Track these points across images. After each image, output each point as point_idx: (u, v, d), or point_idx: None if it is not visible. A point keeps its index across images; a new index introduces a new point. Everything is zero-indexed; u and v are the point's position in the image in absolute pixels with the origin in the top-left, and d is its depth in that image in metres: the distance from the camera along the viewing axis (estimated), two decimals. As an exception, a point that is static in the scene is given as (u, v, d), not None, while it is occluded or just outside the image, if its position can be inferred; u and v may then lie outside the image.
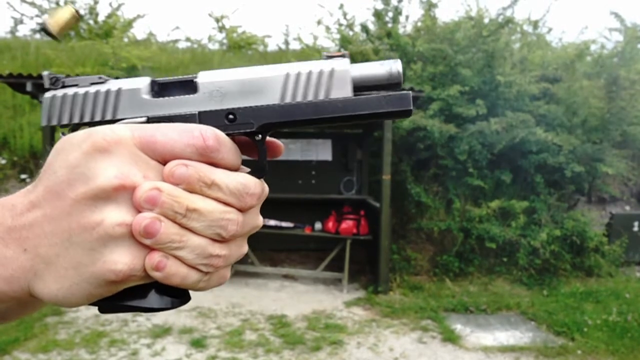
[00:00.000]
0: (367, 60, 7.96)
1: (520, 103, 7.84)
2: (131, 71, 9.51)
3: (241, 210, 0.43)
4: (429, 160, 8.13)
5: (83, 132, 0.41)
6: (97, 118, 0.46)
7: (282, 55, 12.67)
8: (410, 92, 0.47)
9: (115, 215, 0.39)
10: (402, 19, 9.58)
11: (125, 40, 11.60)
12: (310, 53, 10.21)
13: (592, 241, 7.52)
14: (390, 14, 9.59)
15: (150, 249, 0.40)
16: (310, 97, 0.46)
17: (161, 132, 0.42)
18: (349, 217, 7.07)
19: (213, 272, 0.43)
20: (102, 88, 0.47)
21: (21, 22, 13.85)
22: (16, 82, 6.06)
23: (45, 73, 0.48)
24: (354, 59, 9.43)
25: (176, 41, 13.92)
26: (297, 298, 6.39)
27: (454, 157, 7.70)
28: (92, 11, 13.50)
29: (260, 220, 0.47)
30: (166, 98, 0.47)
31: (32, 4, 13.16)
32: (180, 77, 0.48)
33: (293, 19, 35.96)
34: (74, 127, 0.47)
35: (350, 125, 7.09)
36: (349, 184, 8.13)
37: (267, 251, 7.75)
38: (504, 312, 6.17)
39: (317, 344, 4.91)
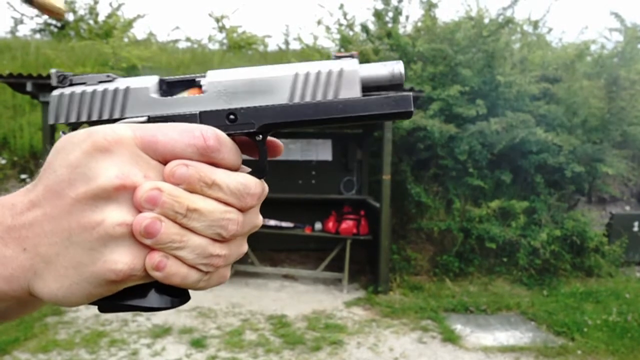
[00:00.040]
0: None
1: (521, 103, 7.84)
2: (131, 71, 9.50)
3: (241, 210, 0.43)
4: (429, 160, 8.13)
5: (83, 132, 0.41)
6: (105, 117, 0.46)
7: (282, 55, 12.67)
8: (411, 93, 0.47)
9: (115, 215, 0.39)
10: (402, 19, 9.59)
11: (126, 40, 11.60)
12: (310, 53, 10.21)
13: (592, 241, 7.52)
14: (391, 14, 9.59)
15: (150, 248, 0.40)
16: (319, 97, 0.46)
17: (162, 132, 0.42)
18: (349, 217, 7.07)
19: (213, 271, 0.43)
20: (110, 86, 0.46)
21: (21, 22, 13.83)
22: (16, 82, 6.06)
23: (53, 71, 0.47)
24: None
25: (176, 41, 13.93)
26: (297, 298, 6.39)
27: (454, 157, 7.70)
28: (92, 11, 13.52)
29: (260, 220, 0.48)
30: (175, 97, 0.46)
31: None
32: (189, 75, 0.48)
33: (293, 19, 36.00)
34: (75, 126, 0.47)
35: (350, 125, 7.09)
36: (349, 184, 8.13)
37: (267, 251, 7.75)
38: (504, 312, 6.17)
39: (317, 344, 4.91)
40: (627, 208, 9.09)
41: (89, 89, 0.46)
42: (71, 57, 10.40)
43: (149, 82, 0.46)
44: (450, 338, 5.18)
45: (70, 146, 0.40)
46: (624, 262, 7.91)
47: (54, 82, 0.47)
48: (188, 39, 13.97)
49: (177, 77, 0.48)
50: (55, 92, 0.47)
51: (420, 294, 6.69)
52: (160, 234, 0.39)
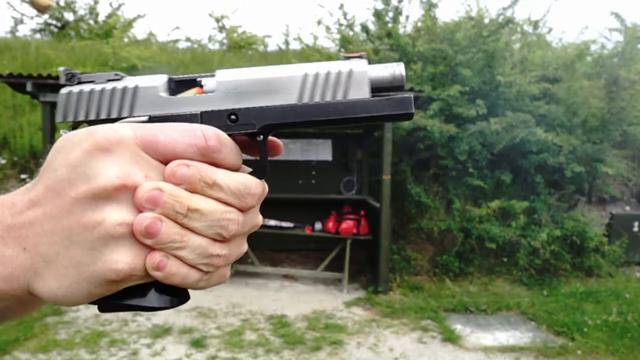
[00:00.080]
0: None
1: (521, 103, 7.84)
2: (131, 71, 9.51)
3: (242, 210, 0.44)
4: (429, 160, 8.14)
5: (84, 131, 0.41)
6: (114, 115, 0.46)
7: (282, 55, 12.67)
8: (412, 95, 0.47)
9: (116, 215, 0.39)
10: (402, 19, 9.58)
11: (126, 40, 11.60)
12: (310, 53, 10.21)
13: (592, 241, 7.52)
14: (391, 14, 9.58)
15: (151, 248, 0.40)
16: (328, 98, 0.46)
17: (163, 131, 0.42)
18: (349, 217, 7.07)
19: (213, 271, 0.43)
20: (119, 85, 0.46)
21: (21, 22, 13.85)
22: (16, 82, 6.06)
23: (61, 69, 0.47)
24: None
25: (176, 41, 13.94)
26: (297, 298, 6.39)
27: (454, 157, 7.70)
28: (92, 11, 13.52)
29: (259, 219, 0.48)
30: (183, 96, 0.46)
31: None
32: (197, 75, 0.48)
33: (293, 19, 36.00)
34: (75, 125, 0.47)
35: (351, 125, 7.09)
36: (349, 184, 8.13)
37: (267, 251, 7.75)
38: (504, 312, 6.17)
39: (317, 344, 4.91)
40: (627, 208, 9.09)
41: (98, 87, 0.46)
42: (71, 57, 10.40)
43: (158, 81, 0.46)
44: (450, 338, 5.18)
45: (70, 145, 0.40)
46: (624, 262, 7.91)
47: (62, 80, 0.47)
48: (188, 39, 13.98)
49: (186, 75, 0.48)
50: (64, 90, 0.47)
51: (420, 294, 6.69)
52: (160, 234, 0.39)
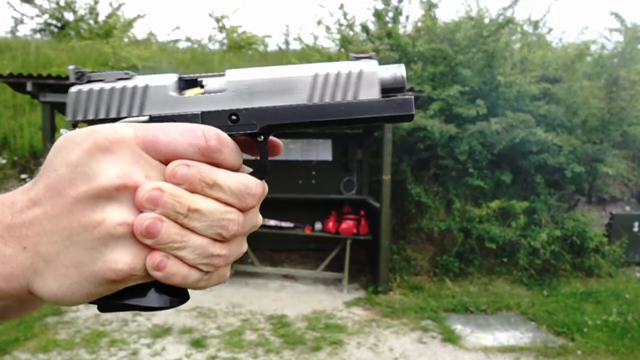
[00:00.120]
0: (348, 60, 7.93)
1: (521, 103, 7.84)
2: (132, 71, 9.50)
3: (242, 210, 0.44)
4: (429, 160, 8.13)
5: (85, 131, 0.41)
6: (124, 114, 0.46)
7: (282, 55, 12.67)
8: (413, 97, 0.47)
9: (116, 215, 0.39)
10: (402, 19, 9.58)
11: (126, 40, 11.60)
12: (310, 53, 10.21)
13: (592, 241, 7.52)
14: (391, 14, 9.58)
15: (151, 248, 0.40)
16: (338, 99, 0.46)
17: (163, 131, 0.42)
18: (349, 217, 7.07)
19: (213, 271, 0.44)
20: (129, 84, 0.46)
21: (21, 22, 13.88)
22: (16, 82, 6.06)
23: (71, 67, 0.47)
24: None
25: (176, 41, 13.95)
26: (297, 298, 6.39)
27: (454, 157, 7.70)
28: (92, 11, 13.53)
29: (259, 219, 0.48)
30: (193, 95, 0.46)
31: (33, 4, 13.17)
32: (207, 74, 0.48)
33: (293, 19, 36.01)
34: (75, 125, 0.47)
35: (352, 126, 7.09)
36: (349, 184, 8.13)
37: (267, 251, 7.75)
38: (504, 312, 6.17)
39: (317, 344, 4.91)
40: (627, 208, 9.09)
41: (108, 86, 0.46)
42: (71, 57, 10.40)
43: (168, 80, 0.46)
44: (450, 338, 5.18)
45: (71, 145, 0.40)
46: (624, 262, 7.91)
47: (72, 78, 0.47)
48: (188, 39, 14.00)
49: (196, 75, 0.48)
50: (73, 89, 0.47)
51: (420, 294, 6.69)
52: (161, 234, 0.39)
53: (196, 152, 0.42)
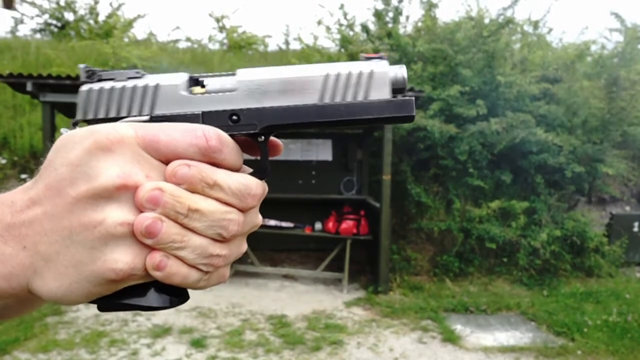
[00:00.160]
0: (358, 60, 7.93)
1: (521, 103, 7.84)
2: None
3: (242, 210, 0.44)
4: (429, 160, 8.13)
5: (85, 130, 0.41)
6: (134, 113, 0.46)
7: (282, 55, 12.68)
8: (413, 98, 0.47)
9: (117, 215, 0.39)
10: (402, 19, 9.58)
11: (126, 40, 11.60)
12: (310, 53, 10.21)
13: (592, 241, 7.52)
14: (391, 14, 9.58)
15: (151, 248, 0.40)
16: (349, 99, 0.46)
17: (164, 131, 0.42)
18: (349, 217, 7.07)
19: (213, 271, 0.44)
20: (140, 83, 0.46)
21: (21, 22, 13.84)
22: (16, 82, 6.06)
23: (81, 66, 0.47)
24: (354, 59, 9.46)
25: (176, 41, 13.95)
26: (297, 298, 6.39)
27: (454, 158, 7.70)
28: (93, 11, 13.53)
29: (259, 220, 0.48)
30: (204, 95, 0.46)
31: (33, 4, 13.18)
32: (218, 73, 0.48)
33: (293, 19, 36.01)
34: (75, 124, 0.47)
35: (352, 126, 7.09)
36: (349, 184, 8.13)
37: (267, 251, 7.75)
38: (504, 312, 6.17)
39: (317, 344, 4.91)
40: (627, 208, 9.09)
41: (118, 84, 0.46)
42: (71, 57, 10.40)
43: (179, 79, 0.46)
44: (450, 338, 5.18)
45: (71, 144, 0.40)
46: (624, 262, 7.91)
47: (82, 77, 0.47)
48: (188, 39, 14.00)
49: (207, 74, 0.48)
50: (84, 88, 0.47)
51: (420, 294, 6.69)
52: (161, 234, 0.40)
53: (197, 152, 0.42)
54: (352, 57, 8.76)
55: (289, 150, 7.90)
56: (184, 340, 4.89)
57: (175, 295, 0.44)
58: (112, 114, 0.46)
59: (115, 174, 0.39)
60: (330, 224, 7.10)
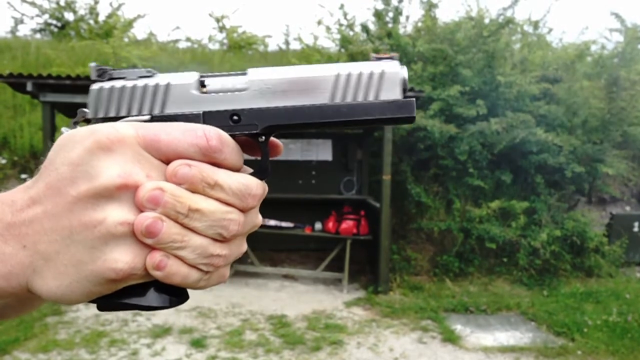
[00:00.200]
0: (368, 60, 7.94)
1: (521, 103, 7.84)
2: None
3: (243, 210, 0.44)
4: (429, 160, 8.14)
5: (86, 129, 0.41)
6: (145, 112, 0.46)
7: (282, 55, 12.68)
8: (414, 99, 0.47)
9: (117, 214, 0.39)
10: (402, 19, 9.58)
11: (126, 40, 11.60)
12: (310, 53, 10.21)
13: (592, 241, 7.52)
14: (391, 14, 9.58)
15: (151, 248, 0.40)
16: (359, 99, 0.46)
17: (165, 131, 0.42)
18: (349, 217, 7.07)
19: (213, 271, 0.44)
20: (151, 82, 0.46)
21: (21, 22, 13.90)
22: (16, 82, 6.06)
23: (92, 65, 0.47)
24: (354, 59, 9.35)
25: (176, 41, 13.95)
26: (297, 298, 6.39)
27: (454, 158, 7.70)
28: (93, 11, 13.54)
29: (259, 220, 0.48)
30: (216, 94, 0.46)
31: (33, 4, 13.18)
32: (229, 72, 0.48)
33: (293, 19, 36.03)
34: (76, 123, 0.47)
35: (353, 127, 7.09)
36: (349, 184, 8.13)
37: (267, 251, 7.75)
38: (504, 312, 6.17)
39: (317, 344, 4.91)
40: (627, 208, 9.08)
41: (129, 83, 0.46)
42: (71, 57, 10.41)
43: (190, 78, 0.46)
44: (450, 338, 5.18)
45: (72, 144, 0.40)
46: (624, 262, 7.91)
47: (93, 76, 0.47)
48: (188, 39, 14.00)
49: (217, 73, 0.48)
50: (95, 86, 0.46)
51: (420, 294, 6.69)
52: (161, 234, 0.39)
53: (197, 152, 0.42)
54: (352, 57, 8.76)
55: (289, 150, 7.90)
56: (184, 340, 4.89)
57: (175, 295, 0.44)
58: (123, 113, 0.46)
59: (115, 174, 0.39)
60: (330, 224, 7.10)
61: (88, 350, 4.58)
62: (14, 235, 0.40)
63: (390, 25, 9.40)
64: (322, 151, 8.16)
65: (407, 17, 9.68)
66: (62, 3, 13.32)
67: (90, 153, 0.39)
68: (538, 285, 7.16)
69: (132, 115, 0.46)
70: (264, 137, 0.47)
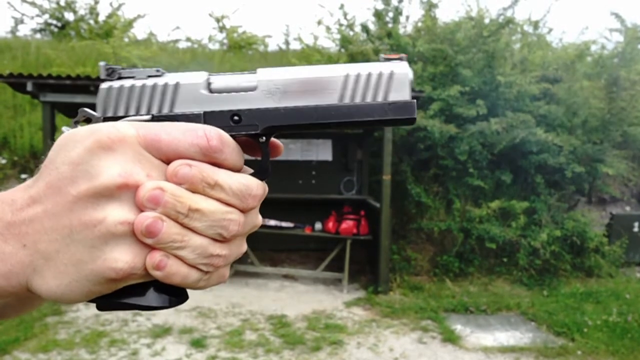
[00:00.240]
0: (368, 61, 7.96)
1: (521, 103, 7.84)
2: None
3: (243, 211, 0.44)
4: (429, 160, 8.14)
5: (86, 129, 0.41)
6: (154, 111, 0.46)
7: (282, 55, 12.68)
8: (415, 100, 0.47)
9: (117, 214, 0.39)
10: (402, 19, 9.59)
11: (126, 40, 11.61)
12: (310, 53, 10.21)
13: (592, 242, 7.52)
14: (391, 14, 9.59)
15: (151, 248, 0.40)
16: (368, 99, 0.46)
17: (165, 131, 0.42)
18: (349, 217, 7.07)
19: (213, 271, 0.44)
20: (160, 81, 0.46)
21: (22, 22, 13.91)
22: (16, 82, 6.06)
23: (102, 64, 0.47)
24: (354, 59, 9.33)
25: (176, 41, 13.96)
26: (297, 298, 6.39)
27: (454, 158, 7.70)
28: (93, 11, 13.54)
29: (259, 220, 0.48)
30: (225, 94, 0.46)
31: (33, 4, 13.18)
32: (238, 72, 0.48)
33: (293, 19, 36.03)
34: (76, 122, 0.47)
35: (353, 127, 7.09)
36: (349, 184, 8.13)
37: (267, 251, 7.75)
38: (504, 312, 6.17)
39: (317, 344, 4.91)
40: (628, 208, 9.08)
41: (139, 82, 0.46)
42: (71, 57, 10.41)
43: (199, 78, 0.46)
44: (450, 338, 5.18)
45: (72, 143, 0.40)
46: (624, 262, 7.91)
47: (102, 75, 0.47)
48: (188, 39, 14.00)
49: (226, 73, 0.48)
50: (104, 85, 0.47)
51: (420, 294, 6.69)
52: (161, 234, 0.40)
53: (198, 152, 0.42)
54: (352, 57, 8.76)
55: (289, 150, 7.91)
56: (184, 340, 4.89)
57: (175, 295, 0.44)
58: (132, 112, 0.46)
59: (116, 173, 0.39)
60: (330, 224, 7.10)
61: (88, 350, 4.58)
62: (14, 235, 0.40)
63: (390, 25, 9.40)
64: (322, 151, 8.16)
65: (407, 17, 9.70)
66: (62, 3, 13.32)
67: (91, 152, 0.39)
68: (538, 285, 7.16)
69: (141, 115, 0.46)
70: (264, 138, 0.47)
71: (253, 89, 0.46)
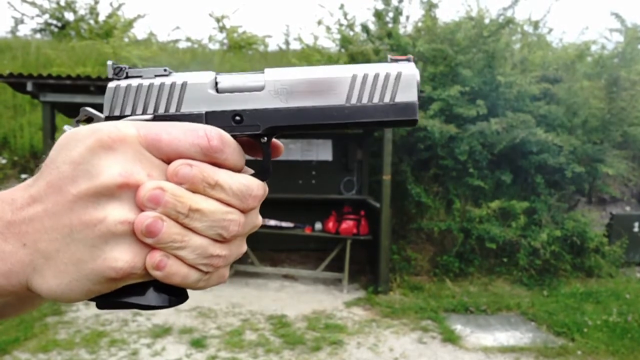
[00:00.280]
0: (367, 61, 7.97)
1: (521, 103, 7.84)
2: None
3: (243, 211, 0.44)
4: (429, 160, 8.13)
5: (88, 128, 0.41)
6: (161, 111, 0.46)
7: (282, 55, 12.68)
8: (417, 101, 0.47)
9: (117, 213, 0.39)
10: (402, 19, 9.58)
11: (126, 40, 11.61)
12: (310, 53, 10.20)
13: (592, 242, 7.52)
14: (391, 14, 9.58)
15: (151, 247, 0.40)
16: (375, 100, 0.46)
17: (166, 130, 0.42)
18: (349, 217, 7.07)
19: (213, 271, 0.44)
20: (167, 81, 0.46)
21: (22, 21, 13.91)
22: (16, 82, 6.06)
23: (109, 63, 0.47)
24: (354, 59, 9.32)
25: (177, 41, 13.96)
26: (297, 298, 6.39)
27: (455, 158, 7.70)
28: (93, 11, 13.54)
29: (259, 220, 0.48)
30: (233, 94, 0.46)
31: (33, 4, 13.18)
32: (246, 72, 0.48)
33: (293, 19, 36.03)
34: (77, 122, 0.47)
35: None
36: (349, 184, 8.13)
37: (267, 251, 7.75)
38: (504, 312, 6.17)
39: (317, 344, 4.91)
40: (628, 208, 9.08)
41: (146, 82, 0.46)
42: (71, 57, 10.41)
43: (206, 77, 0.46)
44: (450, 338, 5.18)
45: (73, 142, 0.40)
46: (624, 262, 7.91)
47: (110, 74, 0.47)
48: (188, 39, 14.00)
49: (233, 73, 0.48)
50: (111, 84, 0.47)
51: (420, 294, 6.69)
52: (161, 234, 0.40)
53: (198, 151, 0.42)
54: (352, 57, 8.76)
55: (289, 150, 7.91)
56: (184, 340, 4.89)
57: (175, 294, 0.44)
58: (139, 111, 0.46)
59: (117, 173, 0.39)
60: (330, 224, 7.10)
61: (88, 350, 4.58)
62: (14, 234, 0.40)
63: (390, 25, 9.40)
64: (322, 151, 8.16)
65: (407, 17, 9.69)
66: (62, 3, 13.32)
67: (92, 152, 0.39)
68: (538, 285, 7.16)
69: (147, 114, 0.46)
70: (266, 138, 0.47)
71: (260, 88, 0.46)
